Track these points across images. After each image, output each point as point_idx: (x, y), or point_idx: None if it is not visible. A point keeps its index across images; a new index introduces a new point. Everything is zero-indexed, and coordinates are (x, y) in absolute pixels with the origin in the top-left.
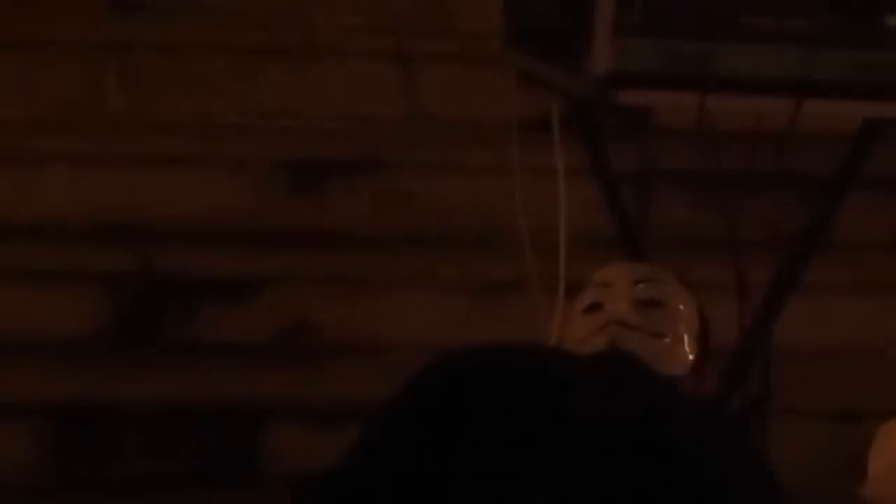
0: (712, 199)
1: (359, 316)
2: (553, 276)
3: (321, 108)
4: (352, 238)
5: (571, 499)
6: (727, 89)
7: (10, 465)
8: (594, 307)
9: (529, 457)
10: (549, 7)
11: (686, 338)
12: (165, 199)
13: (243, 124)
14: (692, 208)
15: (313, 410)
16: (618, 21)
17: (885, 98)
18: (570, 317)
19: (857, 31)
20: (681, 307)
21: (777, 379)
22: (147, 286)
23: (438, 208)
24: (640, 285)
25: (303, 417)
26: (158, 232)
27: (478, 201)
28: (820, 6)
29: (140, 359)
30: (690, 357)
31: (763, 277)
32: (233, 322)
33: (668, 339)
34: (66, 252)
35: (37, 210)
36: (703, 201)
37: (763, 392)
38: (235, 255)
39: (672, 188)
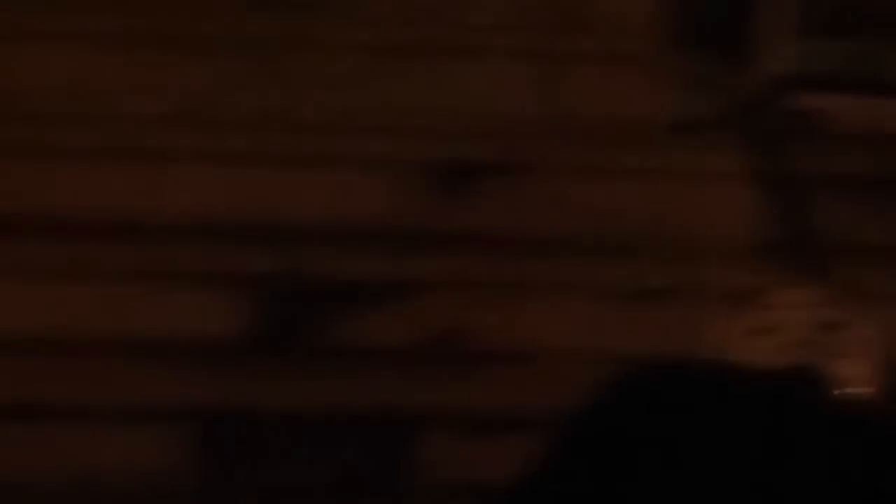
0: (881, 204)
1: (508, 321)
2: (709, 283)
3: (465, 107)
4: (500, 241)
5: None
6: None
7: (155, 469)
8: (770, 329)
9: (734, 480)
10: (718, 8)
11: (868, 361)
12: (310, 199)
13: (386, 123)
14: (859, 214)
15: (465, 419)
16: (798, 22)
17: None
18: (744, 337)
19: None
20: (863, 330)
21: None
22: (293, 288)
23: (586, 211)
24: (820, 307)
25: (454, 426)
26: (304, 233)
27: (628, 204)
28: None
29: (286, 363)
30: (870, 380)
31: None
32: (381, 327)
33: (848, 363)
34: (207, 253)
35: (179, 209)
36: (870, 206)
37: None
38: (382, 258)
39: (838, 193)
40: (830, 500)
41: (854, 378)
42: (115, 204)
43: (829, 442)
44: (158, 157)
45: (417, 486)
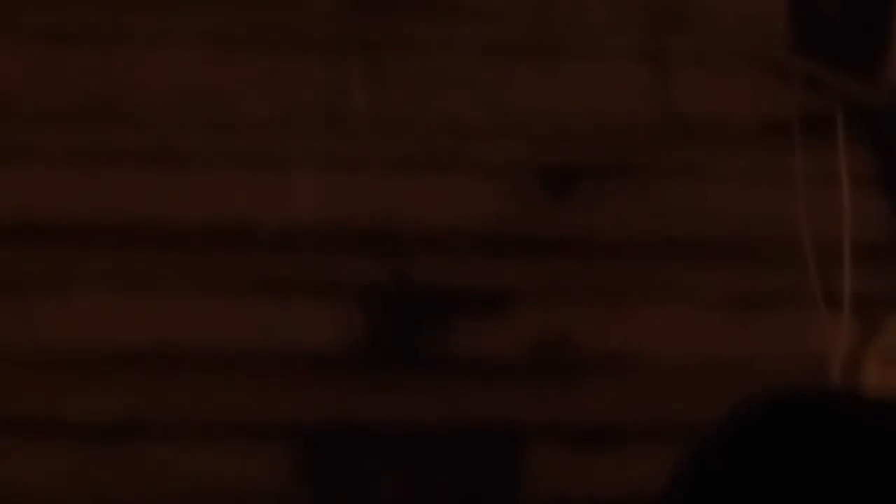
0: None
1: (616, 329)
2: (818, 288)
3: (571, 109)
4: (608, 246)
5: None
6: None
7: (260, 488)
8: None
9: None
10: (841, 11)
11: None
12: (415, 204)
13: (493, 125)
14: None
15: (574, 430)
16: None
17: None
18: (870, 365)
19: None
20: None
21: None
22: (402, 298)
23: (697, 215)
24: None
25: (563, 437)
26: (410, 240)
27: (737, 207)
28: None
29: (395, 376)
30: None
31: None
32: (489, 336)
33: None
34: (316, 261)
35: (284, 216)
36: None
37: None
38: (489, 265)
39: None
40: None
41: None
42: (226, 212)
43: None
44: (267, 163)
45: (526, 501)
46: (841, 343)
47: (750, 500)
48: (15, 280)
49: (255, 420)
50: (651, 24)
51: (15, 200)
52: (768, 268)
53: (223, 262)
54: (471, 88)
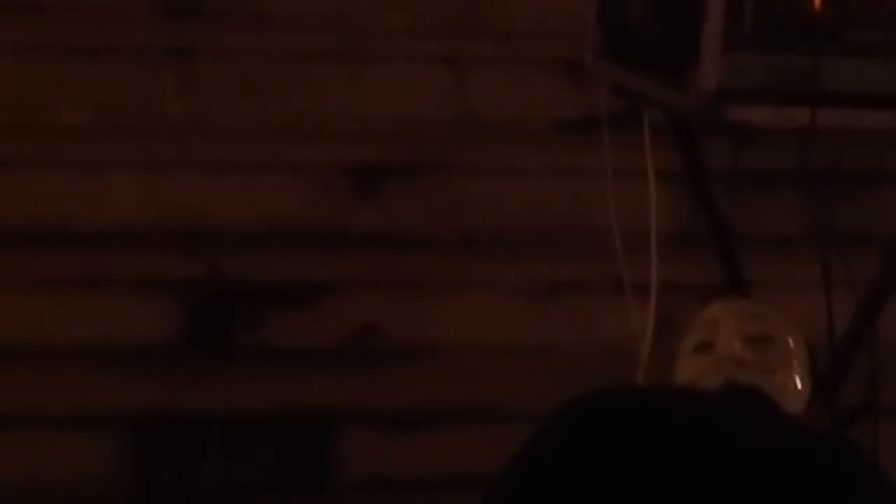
0: (798, 199)
1: (423, 319)
2: (611, 277)
3: (376, 111)
4: (412, 241)
5: None
6: (833, 104)
7: (88, 475)
8: (703, 347)
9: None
10: (647, 20)
11: (798, 371)
12: (229, 203)
13: (301, 128)
14: (776, 209)
15: (385, 415)
16: (726, 36)
17: None
18: (679, 356)
19: None
20: (790, 341)
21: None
22: (218, 292)
23: (496, 210)
24: (749, 322)
25: (375, 422)
26: (224, 237)
27: (533, 203)
28: None
29: (213, 366)
30: (802, 389)
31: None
32: (301, 327)
33: (780, 375)
34: (136, 259)
35: (104, 217)
36: (789, 201)
37: (871, 393)
38: (299, 260)
39: (757, 189)
40: None
41: (786, 392)
42: (43, 213)
43: (768, 458)
44: (87, 167)
45: (338, 483)
46: (647, 329)
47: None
48: None
49: (81, 411)
50: (449, 29)
51: None
52: (565, 259)
53: (46, 260)
54: (279, 93)
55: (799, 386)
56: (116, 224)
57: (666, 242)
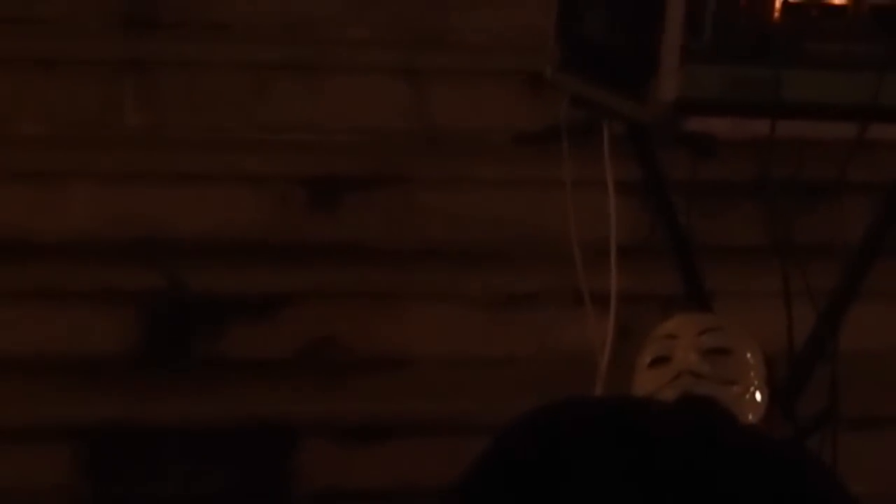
0: (757, 209)
1: (382, 330)
2: (570, 288)
3: (335, 123)
4: (371, 252)
5: None
6: (792, 115)
7: (46, 487)
8: (660, 360)
9: None
10: (607, 32)
11: (756, 384)
12: (187, 215)
13: (260, 139)
14: (736, 220)
15: (343, 426)
16: (685, 47)
17: None
18: (636, 371)
19: None
20: (747, 353)
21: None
22: (176, 304)
23: (456, 221)
24: (706, 335)
25: (333, 433)
26: (182, 249)
27: (492, 215)
28: (883, 32)
29: (171, 378)
30: (759, 401)
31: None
32: (259, 339)
33: (737, 387)
34: (93, 270)
35: (62, 228)
36: (749, 212)
37: (831, 403)
38: (258, 272)
39: (716, 200)
40: None
41: (743, 404)
42: (1, 224)
43: (725, 470)
44: (45, 178)
45: (296, 495)
46: (606, 340)
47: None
48: None
49: (39, 422)
50: (409, 42)
51: None
52: (525, 270)
53: (4, 271)
54: (238, 104)
55: (757, 398)
56: (75, 236)
57: (625, 253)
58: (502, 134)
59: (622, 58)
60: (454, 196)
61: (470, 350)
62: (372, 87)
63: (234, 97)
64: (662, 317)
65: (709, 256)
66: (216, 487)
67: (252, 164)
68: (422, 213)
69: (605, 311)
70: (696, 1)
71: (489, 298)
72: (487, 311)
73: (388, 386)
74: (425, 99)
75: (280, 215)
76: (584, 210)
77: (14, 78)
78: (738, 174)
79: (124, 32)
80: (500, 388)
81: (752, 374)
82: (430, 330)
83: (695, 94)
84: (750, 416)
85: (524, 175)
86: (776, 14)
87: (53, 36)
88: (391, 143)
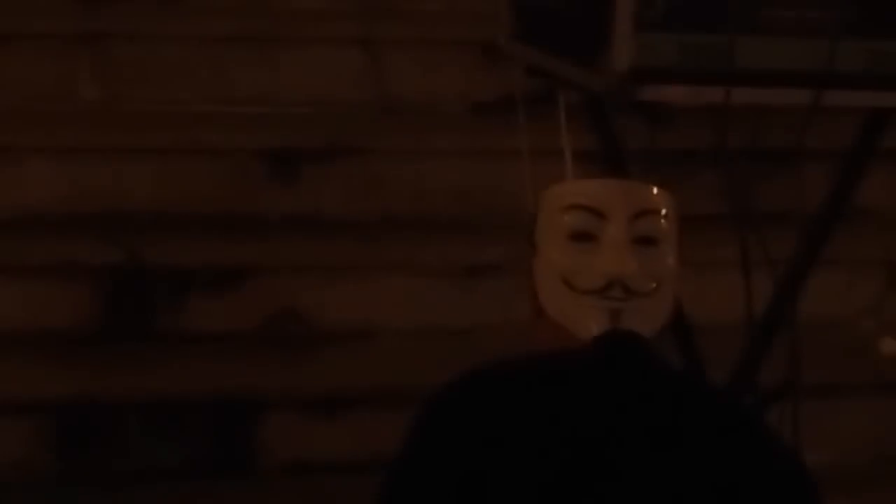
0: (715, 178)
1: (343, 301)
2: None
3: (291, 95)
4: (331, 224)
5: None
6: (747, 82)
7: (10, 461)
8: (585, 237)
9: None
10: (560, 1)
11: (669, 279)
12: (145, 189)
13: (217, 112)
14: (693, 188)
15: (307, 399)
16: (638, 16)
17: None
18: (551, 229)
19: (874, 23)
20: (667, 246)
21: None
22: (136, 278)
23: (415, 192)
24: (639, 219)
25: (297, 406)
26: (140, 222)
27: (451, 185)
28: None
29: (133, 351)
30: (671, 298)
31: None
32: (220, 311)
33: (655, 286)
34: (51, 245)
35: (19, 203)
36: (706, 181)
37: (793, 372)
38: (218, 245)
39: (673, 168)
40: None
41: (659, 308)
42: None
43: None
44: (4, 152)
45: (261, 467)
46: None
47: (464, 453)
48: None
49: (1, 397)
50: (363, 12)
51: None
52: (485, 240)
53: None
54: (194, 77)
55: (670, 296)
56: (32, 210)
57: None
58: (459, 104)
59: (575, 26)
60: (413, 166)
61: (433, 321)
62: (328, 58)
63: (190, 70)
64: None
65: None
66: (180, 461)
67: (209, 136)
68: (381, 183)
69: None
70: None
71: (451, 269)
72: (449, 282)
73: (351, 358)
74: (382, 69)
75: (239, 188)
76: (542, 179)
77: None
78: (696, 142)
79: (79, 6)
80: (463, 359)
81: (668, 269)
82: (393, 301)
83: (649, 62)
84: (663, 319)
85: (482, 145)
86: None
87: (7, 11)
88: (348, 115)
